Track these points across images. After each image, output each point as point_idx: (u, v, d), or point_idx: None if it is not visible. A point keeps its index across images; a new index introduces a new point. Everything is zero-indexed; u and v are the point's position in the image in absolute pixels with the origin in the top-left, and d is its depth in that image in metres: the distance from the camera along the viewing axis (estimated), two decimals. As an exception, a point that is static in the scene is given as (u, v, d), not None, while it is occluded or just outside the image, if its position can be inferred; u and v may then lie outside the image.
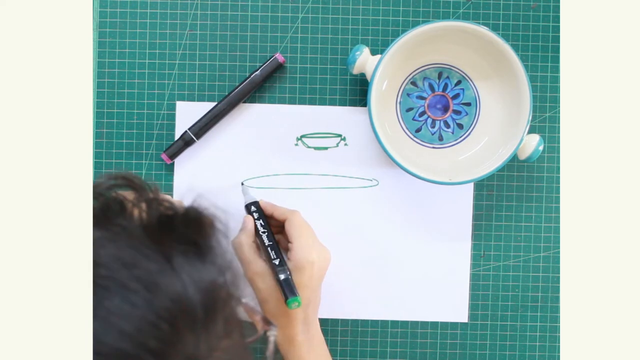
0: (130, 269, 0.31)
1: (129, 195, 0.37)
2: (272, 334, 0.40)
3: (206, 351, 0.33)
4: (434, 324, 0.64)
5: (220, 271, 0.35)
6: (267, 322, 0.40)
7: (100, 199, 0.36)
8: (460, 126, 0.63)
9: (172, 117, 0.64)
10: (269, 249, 0.57)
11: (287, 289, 0.55)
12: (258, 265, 0.57)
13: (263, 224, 0.59)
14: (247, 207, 0.60)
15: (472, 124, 0.63)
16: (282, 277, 0.55)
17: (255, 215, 0.59)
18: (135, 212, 0.36)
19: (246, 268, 0.57)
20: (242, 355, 0.36)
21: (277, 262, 0.56)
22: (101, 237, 0.33)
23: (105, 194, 0.36)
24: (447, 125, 0.63)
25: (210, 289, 0.33)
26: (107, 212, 0.35)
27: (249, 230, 0.58)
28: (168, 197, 0.37)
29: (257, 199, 0.61)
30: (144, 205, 0.36)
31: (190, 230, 0.35)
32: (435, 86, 0.63)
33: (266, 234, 0.58)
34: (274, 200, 0.62)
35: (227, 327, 0.34)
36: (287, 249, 0.58)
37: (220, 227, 0.37)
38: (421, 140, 0.63)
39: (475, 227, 0.64)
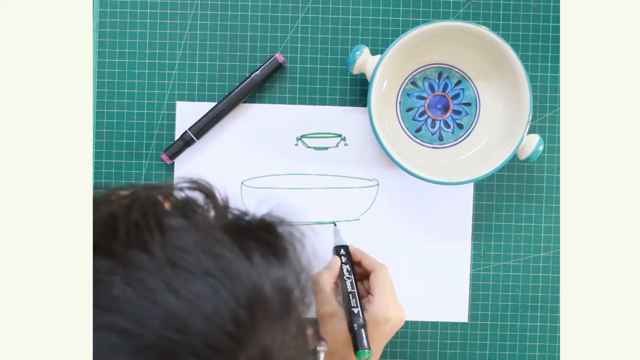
0: (214, 258, 0.33)
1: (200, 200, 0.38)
2: (322, 349, 0.41)
3: (280, 347, 0.33)
4: (434, 324, 0.64)
5: (295, 274, 0.36)
6: (318, 337, 0.41)
7: (171, 198, 0.37)
8: (460, 126, 0.63)
9: (172, 117, 0.64)
10: (350, 295, 0.57)
11: (362, 340, 0.55)
12: (333, 306, 0.57)
13: (350, 270, 0.59)
14: (337, 248, 0.60)
15: (472, 124, 0.63)
16: (359, 327, 0.55)
17: (344, 259, 0.60)
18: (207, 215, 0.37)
19: (320, 306, 0.57)
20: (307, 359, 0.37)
21: (356, 310, 0.56)
22: (184, 225, 0.34)
23: (175, 194, 0.38)
24: (447, 125, 0.63)
25: (285, 288, 0.35)
26: (186, 207, 0.36)
27: (334, 271, 0.58)
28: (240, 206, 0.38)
29: (348, 243, 0.61)
30: (213, 212, 0.37)
31: (267, 233, 0.36)
32: (435, 86, 0.63)
33: (351, 280, 0.58)
34: (275, 200, 0.61)
35: (298, 329, 0.35)
36: (362, 298, 0.58)
37: (296, 234, 0.38)
38: (421, 140, 0.63)
39: (475, 227, 0.64)
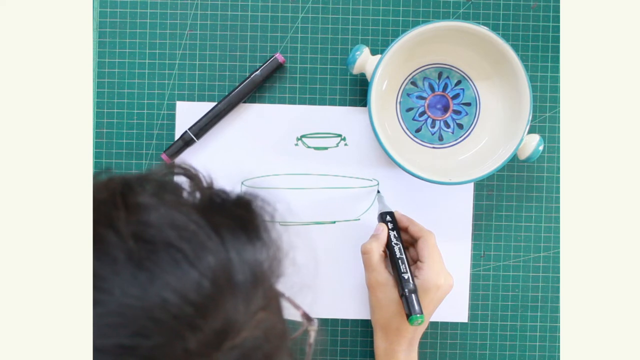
0: (179, 230, 0.33)
1: (184, 184, 0.39)
2: (313, 329, 0.41)
3: (244, 317, 0.34)
4: (434, 324, 0.64)
5: (265, 247, 0.36)
6: (308, 317, 0.42)
7: (153, 183, 0.37)
8: (460, 126, 0.63)
9: (172, 117, 0.64)
10: (399, 261, 0.57)
11: (413, 305, 0.54)
12: (383, 275, 0.57)
13: (397, 236, 0.58)
14: (382, 215, 0.60)
15: (472, 124, 0.63)
16: (410, 292, 0.55)
17: (390, 225, 0.59)
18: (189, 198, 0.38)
19: (370, 275, 0.58)
20: (279, 329, 0.38)
21: (406, 276, 0.56)
22: (153, 203, 0.35)
23: (159, 179, 0.39)
24: (447, 125, 0.63)
25: (253, 261, 0.35)
26: (159, 187, 0.37)
27: (382, 239, 0.58)
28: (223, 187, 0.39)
29: (393, 210, 0.61)
30: (198, 194, 0.38)
31: (239, 209, 0.37)
32: (435, 86, 0.63)
33: (399, 246, 0.58)
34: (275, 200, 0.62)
35: (266, 300, 0.36)
36: (411, 265, 0.58)
37: (269, 210, 0.39)
38: (421, 140, 0.63)
39: (475, 227, 0.64)
